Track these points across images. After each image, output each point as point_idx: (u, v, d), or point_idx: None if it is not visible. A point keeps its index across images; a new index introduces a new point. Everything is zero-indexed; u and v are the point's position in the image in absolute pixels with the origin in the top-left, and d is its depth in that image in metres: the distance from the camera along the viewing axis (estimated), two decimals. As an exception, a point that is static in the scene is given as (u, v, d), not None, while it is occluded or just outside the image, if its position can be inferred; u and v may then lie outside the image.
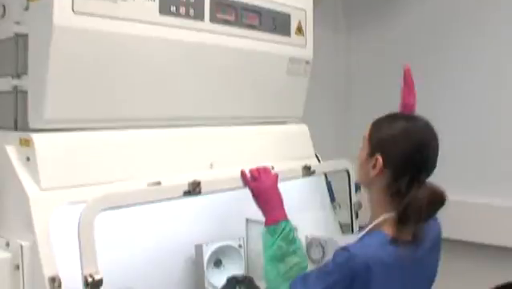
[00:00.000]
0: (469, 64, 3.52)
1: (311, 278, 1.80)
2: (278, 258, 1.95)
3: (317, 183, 2.59)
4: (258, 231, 2.94)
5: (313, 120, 2.67)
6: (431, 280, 1.94)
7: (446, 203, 1.75)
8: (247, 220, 3.00)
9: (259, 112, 2.40)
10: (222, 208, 2.90)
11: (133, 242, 2.47)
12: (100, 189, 1.74)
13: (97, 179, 1.75)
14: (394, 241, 1.72)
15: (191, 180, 1.82)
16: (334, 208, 2.60)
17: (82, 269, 1.53)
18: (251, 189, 2.13)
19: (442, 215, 1.84)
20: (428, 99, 2.49)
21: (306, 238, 2.71)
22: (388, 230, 1.75)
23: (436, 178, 1.81)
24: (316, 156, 2.61)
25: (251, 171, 2.08)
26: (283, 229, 2.02)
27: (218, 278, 2.69)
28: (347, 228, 2.73)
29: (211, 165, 2.08)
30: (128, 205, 1.70)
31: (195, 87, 2.12)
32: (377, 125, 1.86)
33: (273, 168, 2.27)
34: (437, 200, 1.74)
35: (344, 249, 1.70)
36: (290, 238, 1.99)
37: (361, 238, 1.77)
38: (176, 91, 2.05)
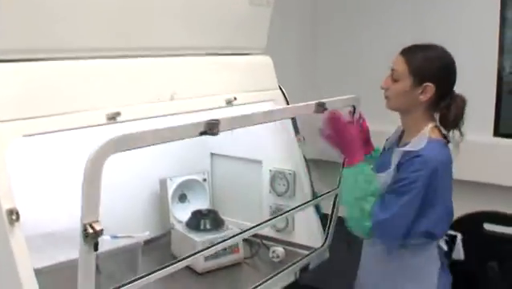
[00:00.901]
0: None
1: (389, 199, 2.06)
2: (361, 197, 2.11)
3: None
4: (223, 165, 2.96)
5: (277, 53, 2.63)
6: None
7: None
8: (212, 154, 3.00)
9: (221, 43, 2.35)
10: (186, 142, 2.88)
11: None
12: (57, 120, 1.70)
13: (54, 110, 1.70)
14: (447, 143, 2.15)
15: (207, 119, 1.76)
16: (298, 140, 2.59)
17: (82, 218, 1.50)
18: (337, 131, 2.24)
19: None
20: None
21: (270, 171, 2.71)
22: (438, 136, 2.14)
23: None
24: (280, 88, 2.59)
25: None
26: (363, 170, 2.16)
27: (183, 212, 2.70)
28: (312, 162, 2.74)
29: (171, 96, 2.04)
30: (141, 146, 1.68)
31: (155, 17, 2.06)
32: (415, 59, 2.14)
33: (235, 98, 2.26)
34: (465, 104, 2.17)
35: (418, 156, 2.03)
36: (370, 179, 2.14)
37: (424, 145, 2.06)
38: (134, 21, 1.98)
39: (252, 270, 2.51)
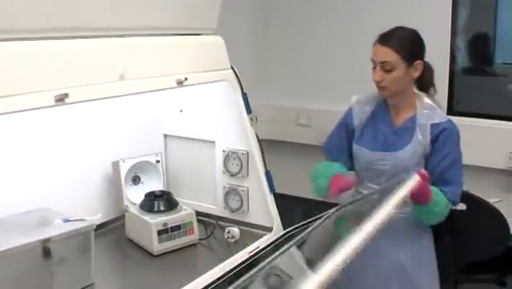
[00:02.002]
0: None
1: (457, 178, 2.38)
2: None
3: (233, 95, 2.57)
4: (176, 146, 2.95)
5: (228, 32, 2.62)
6: None
7: None
8: (165, 135, 2.98)
9: (171, 23, 2.32)
10: (139, 124, 2.86)
11: (48, 160, 2.42)
12: (4, 101, 1.67)
13: (1, 92, 1.66)
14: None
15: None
16: (250, 120, 2.59)
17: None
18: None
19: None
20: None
21: (223, 151, 2.71)
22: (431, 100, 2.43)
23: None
24: (232, 68, 2.58)
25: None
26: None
27: (137, 194, 2.68)
28: (265, 141, 2.74)
29: (121, 77, 2.01)
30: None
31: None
32: (404, 45, 2.32)
33: (186, 79, 2.24)
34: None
35: (450, 126, 2.36)
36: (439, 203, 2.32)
37: (437, 114, 2.38)
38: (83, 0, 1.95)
39: (207, 251, 2.51)
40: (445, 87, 3.60)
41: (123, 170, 2.67)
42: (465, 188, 2.44)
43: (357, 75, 3.16)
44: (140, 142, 2.84)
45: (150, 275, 2.32)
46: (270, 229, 2.61)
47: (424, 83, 2.43)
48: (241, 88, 2.59)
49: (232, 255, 2.36)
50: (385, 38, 2.32)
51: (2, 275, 1.72)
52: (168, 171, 2.96)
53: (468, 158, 2.44)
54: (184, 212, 2.51)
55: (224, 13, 2.58)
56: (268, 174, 2.65)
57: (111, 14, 2.04)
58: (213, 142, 2.76)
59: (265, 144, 2.69)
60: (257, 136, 2.64)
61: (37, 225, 2.08)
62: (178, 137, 2.92)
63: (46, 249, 1.98)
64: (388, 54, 2.29)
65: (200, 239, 2.55)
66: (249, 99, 2.61)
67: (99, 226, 2.25)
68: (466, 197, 2.53)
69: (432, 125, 2.35)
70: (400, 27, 2.36)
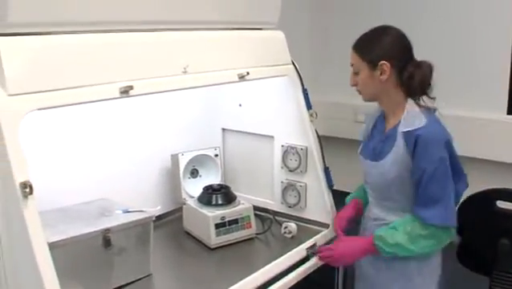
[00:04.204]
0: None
1: (438, 196, 2.15)
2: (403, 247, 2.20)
3: (293, 91, 2.56)
4: (234, 141, 2.95)
5: (289, 27, 2.61)
6: None
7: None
8: (223, 129, 2.99)
9: (235, 17, 2.33)
10: (198, 117, 2.88)
11: (109, 152, 2.46)
12: (71, 93, 1.69)
13: (67, 84, 1.69)
14: (430, 110, 2.22)
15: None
16: (310, 115, 2.57)
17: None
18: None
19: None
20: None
21: (282, 146, 2.70)
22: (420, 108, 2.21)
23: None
24: (293, 63, 2.57)
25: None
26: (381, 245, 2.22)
27: (195, 187, 2.70)
28: (324, 138, 2.72)
29: (184, 70, 2.03)
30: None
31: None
32: (362, 45, 2.23)
33: (248, 73, 2.25)
34: (432, 68, 2.19)
35: (423, 133, 2.12)
36: (390, 241, 2.20)
37: (425, 123, 2.15)
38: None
39: (264, 245, 2.51)
40: (506, 85, 3.49)
41: (182, 163, 2.69)
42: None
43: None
44: (198, 136, 2.86)
45: (206, 268, 2.33)
46: (327, 226, 2.60)
47: (416, 84, 2.17)
48: (302, 84, 2.58)
49: (288, 251, 2.35)
50: (355, 41, 2.27)
51: (64, 263, 1.74)
52: (226, 165, 2.97)
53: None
54: (242, 206, 2.52)
55: (284, 7, 2.57)
56: (327, 170, 2.63)
57: (176, 7, 2.06)
58: (272, 137, 2.75)
59: (324, 141, 2.67)
60: (316, 132, 2.62)
61: (98, 215, 2.12)
62: (237, 131, 2.93)
63: (106, 238, 2.00)
64: (353, 57, 2.25)
65: (257, 234, 2.54)
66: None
67: (157, 218, 2.26)
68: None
69: (404, 133, 2.16)
70: (375, 28, 2.25)
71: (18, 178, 1.52)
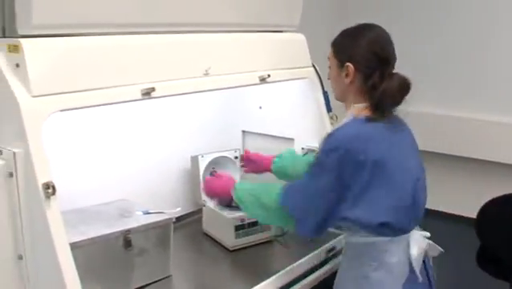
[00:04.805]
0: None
1: (298, 184, 2.00)
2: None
3: (314, 93, 2.56)
4: (254, 143, 2.96)
5: (310, 30, 2.61)
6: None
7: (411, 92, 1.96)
8: (243, 131, 2.99)
9: (255, 20, 2.34)
10: (218, 119, 2.88)
11: (128, 153, 2.47)
12: (93, 94, 1.71)
13: (89, 85, 1.71)
14: (370, 119, 1.94)
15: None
16: (330, 118, 2.57)
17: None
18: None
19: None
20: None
21: (302, 148, 2.70)
22: (362, 115, 1.97)
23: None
24: (313, 65, 2.57)
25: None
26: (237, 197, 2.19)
27: (214, 189, 2.69)
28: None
29: (206, 72, 2.04)
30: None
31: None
32: (337, 41, 2.09)
33: (269, 76, 2.24)
34: (406, 86, 1.95)
35: (328, 135, 1.95)
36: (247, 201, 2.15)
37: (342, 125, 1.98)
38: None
39: (282, 248, 2.50)
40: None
41: (202, 165, 2.69)
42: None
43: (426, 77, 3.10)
44: (218, 138, 2.86)
45: (225, 270, 2.33)
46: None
47: (378, 96, 1.95)
48: (322, 86, 2.58)
49: (308, 254, 2.35)
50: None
51: (84, 263, 1.75)
52: (245, 167, 2.97)
53: None
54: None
55: (305, 10, 2.57)
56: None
57: (197, 10, 2.07)
58: (292, 139, 2.75)
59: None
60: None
61: (118, 216, 2.13)
62: (257, 134, 2.93)
63: (127, 239, 2.01)
64: (330, 51, 2.11)
65: (276, 236, 2.54)
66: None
67: (177, 219, 2.26)
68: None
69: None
70: (357, 25, 2.07)
71: (41, 179, 1.53)
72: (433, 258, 2.10)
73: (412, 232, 1.97)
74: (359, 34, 2.02)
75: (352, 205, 1.88)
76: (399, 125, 2.02)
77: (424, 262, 2.02)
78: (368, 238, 1.95)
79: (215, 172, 2.65)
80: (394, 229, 1.92)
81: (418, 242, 1.97)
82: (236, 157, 2.80)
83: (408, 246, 1.95)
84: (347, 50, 2.02)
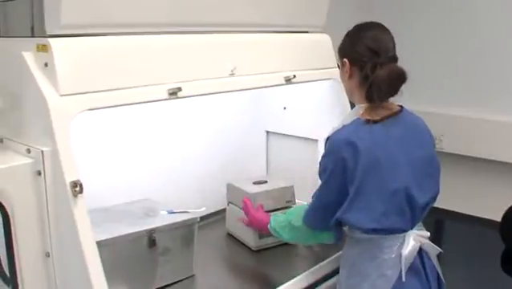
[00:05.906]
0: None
1: (314, 197, 2.07)
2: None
3: (338, 94, 2.55)
4: (278, 143, 2.95)
5: (334, 31, 2.60)
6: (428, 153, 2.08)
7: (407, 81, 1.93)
8: (267, 132, 2.99)
9: (281, 20, 2.34)
10: (242, 119, 2.89)
11: (153, 153, 2.48)
12: (120, 94, 1.72)
13: (117, 85, 1.72)
14: (368, 121, 1.95)
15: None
16: (355, 120, 2.56)
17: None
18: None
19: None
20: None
21: (327, 149, 2.69)
22: (364, 116, 1.97)
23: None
24: (338, 66, 2.55)
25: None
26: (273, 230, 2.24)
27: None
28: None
29: (232, 73, 2.04)
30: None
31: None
32: (340, 44, 2.12)
33: (294, 76, 2.24)
34: (396, 76, 1.93)
35: (326, 139, 2.02)
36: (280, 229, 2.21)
37: (340, 129, 1.99)
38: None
39: (306, 249, 2.50)
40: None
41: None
42: None
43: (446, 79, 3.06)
44: (242, 138, 2.86)
45: (249, 271, 2.34)
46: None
47: (369, 87, 1.95)
48: (347, 87, 2.56)
49: (331, 255, 2.34)
50: None
51: (110, 262, 1.76)
52: (269, 167, 2.97)
53: None
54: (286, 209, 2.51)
55: (330, 10, 2.57)
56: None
57: (224, 10, 2.07)
58: (316, 140, 2.74)
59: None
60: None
61: (143, 215, 2.14)
62: (281, 134, 2.93)
63: (151, 239, 2.02)
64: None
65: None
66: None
67: (200, 219, 2.27)
68: None
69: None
70: (361, 24, 2.09)
71: (69, 177, 1.55)
72: (456, 260, 2.08)
73: (409, 231, 1.97)
74: (354, 32, 2.08)
75: (347, 209, 1.93)
76: (399, 126, 2.01)
77: (423, 262, 2.01)
78: (364, 235, 1.98)
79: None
80: (386, 232, 1.94)
81: (410, 242, 1.96)
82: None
83: (403, 244, 1.96)
84: (344, 48, 2.09)
